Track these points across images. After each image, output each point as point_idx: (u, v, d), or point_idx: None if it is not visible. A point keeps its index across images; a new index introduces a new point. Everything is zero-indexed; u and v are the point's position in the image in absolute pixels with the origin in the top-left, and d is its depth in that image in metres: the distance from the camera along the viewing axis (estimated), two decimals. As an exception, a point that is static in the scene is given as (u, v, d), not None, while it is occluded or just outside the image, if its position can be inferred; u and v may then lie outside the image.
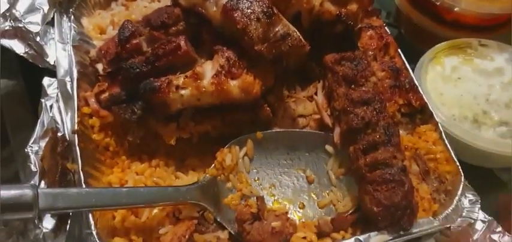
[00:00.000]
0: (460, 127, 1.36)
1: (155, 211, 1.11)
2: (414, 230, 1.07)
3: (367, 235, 1.05)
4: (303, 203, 1.19)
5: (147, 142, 1.23)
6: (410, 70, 1.36)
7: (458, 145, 1.34)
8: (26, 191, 0.91)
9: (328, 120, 1.24)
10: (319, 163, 1.22)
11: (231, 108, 1.21)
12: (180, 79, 1.15)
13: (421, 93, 1.32)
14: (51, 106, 1.18)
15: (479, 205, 1.14)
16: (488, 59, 1.54)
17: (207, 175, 1.16)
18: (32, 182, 1.01)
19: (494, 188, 1.46)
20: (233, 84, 1.15)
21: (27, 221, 1.00)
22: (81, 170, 1.05)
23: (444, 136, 1.25)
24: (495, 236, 1.14)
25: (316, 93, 1.29)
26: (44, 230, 1.01)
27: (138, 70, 1.16)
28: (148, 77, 1.15)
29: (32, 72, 1.30)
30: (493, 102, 1.43)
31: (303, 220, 1.16)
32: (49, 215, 1.04)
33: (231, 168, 1.18)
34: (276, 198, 1.20)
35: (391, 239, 1.05)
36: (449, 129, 1.34)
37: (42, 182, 1.07)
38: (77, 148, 1.07)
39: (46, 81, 1.25)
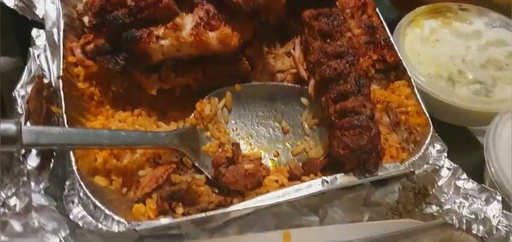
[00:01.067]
0: (435, 84, 1.41)
1: (136, 155, 1.17)
2: (380, 173, 1.12)
3: (333, 176, 1.10)
4: (277, 151, 1.25)
5: (131, 94, 1.28)
6: (387, 29, 1.40)
7: (433, 103, 1.39)
8: (10, 126, 0.97)
9: (303, 73, 1.29)
10: (295, 114, 1.28)
11: (211, 61, 1.26)
12: (160, 30, 1.19)
13: (396, 50, 1.36)
14: (38, 55, 1.24)
15: (445, 154, 1.19)
16: (467, 23, 1.58)
17: (187, 123, 1.22)
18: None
19: (469, 149, 1.51)
20: (211, 36, 1.20)
21: (12, 157, 1.06)
22: (65, 113, 1.10)
23: (416, 91, 1.29)
24: (460, 183, 1.18)
25: (294, 48, 1.34)
26: (28, 167, 1.07)
27: (121, 21, 1.20)
28: (131, 29, 1.21)
29: (22, 25, 1.36)
30: (469, 63, 1.48)
31: (277, 166, 1.21)
32: (34, 154, 1.10)
33: (209, 118, 1.23)
34: (252, 147, 1.25)
35: (356, 181, 1.10)
36: (424, 86, 1.39)
37: (28, 123, 1.13)
38: (61, 92, 1.13)
39: (34, 32, 1.31)
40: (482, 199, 1.16)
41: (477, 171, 1.32)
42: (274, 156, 1.24)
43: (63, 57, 1.20)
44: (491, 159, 1.24)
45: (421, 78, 1.40)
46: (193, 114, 1.22)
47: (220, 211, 1.05)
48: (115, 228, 0.99)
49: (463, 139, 1.54)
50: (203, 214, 1.03)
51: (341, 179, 1.10)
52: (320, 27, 1.27)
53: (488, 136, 1.27)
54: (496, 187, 1.20)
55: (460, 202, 1.16)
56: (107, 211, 1.01)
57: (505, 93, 1.41)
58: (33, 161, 1.10)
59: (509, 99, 1.38)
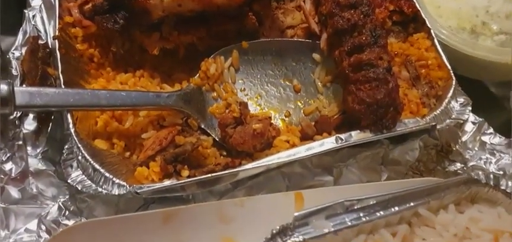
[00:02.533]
0: (457, 36, 1.31)
1: (139, 118, 1.11)
2: (398, 129, 1.04)
3: (348, 133, 1.03)
4: (288, 111, 1.17)
5: (133, 55, 1.23)
6: (404, -22, 1.31)
7: (456, 57, 1.30)
8: (2, 86, 0.92)
9: (315, 27, 1.21)
10: (306, 72, 1.20)
11: (216, 18, 1.19)
12: (160, -15, 1.13)
13: (414, 1, 1.27)
14: (33, 16, 1.19)
15: (470, 107, 1.10)
16: (491, -29, 1.47)
17: (191, 84, 1.15)
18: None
19: (493, 107, 1.42)
20: (214, -12, 1.13)
21: (7, 120, 1.01)
22: (61, 73, 1.05)
23: (437, 42, 1.21)
24: (485, 138, 1.11)
25: (304, 1, 1.26)
26: (24, 130, 1.03)
27: (119, -22, 1.15)
28: (130, -15, 1.14)
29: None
30: (494, 14, 1.38)
31: (288, 126, 1.14)
32: (31, 118, 1.05)
33: (215, 78, 1.16)
34: (262, 108, 1.18)
35: (373, 137, 1.02)
36: (446, 39, 1.30)
37: (24, 86, 1.08)
38: (58, 53, 1.07)
39: (30, -7, 1.26)
40: (511, 154, 1.08)
41: (503, 128, 1.23)
42: (286, 116, 1.17)
43: (59, 17, 1.14)
44: (519, 111, 1.15)
45: (443, 31, 1.31)
46: (198, 74, 1.16)
47: (227, 171, 0.99)
48: (115, 191, 0.94)
49: (485, 99, 1.45)
50: (208, 175, 0.97)
51: (356, 136, 1.03)
52: (332, -23, 1.18)
53: (516, 88, 1.18)
54: (526, 142, 1.11)
55: (487, 158, 1.08)
56: (107, 174, 0.95)
57: (532, 44, 1.31)
58: (30, 125, 1.05)
59: (537, 50, 1.28)
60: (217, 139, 1.11)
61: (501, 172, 1.04)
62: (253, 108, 1.17)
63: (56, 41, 1.09)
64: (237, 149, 1.07)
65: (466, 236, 0.90)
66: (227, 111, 1.13)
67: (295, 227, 0.86)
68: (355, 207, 0.88)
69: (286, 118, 1.17)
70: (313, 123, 1.11)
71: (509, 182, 1.01)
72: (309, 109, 1.16)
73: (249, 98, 1.19)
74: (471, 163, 1.08)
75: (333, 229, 0.86)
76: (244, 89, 1.20)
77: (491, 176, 1.00)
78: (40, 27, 1.18)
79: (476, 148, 1.10)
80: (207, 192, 1.01)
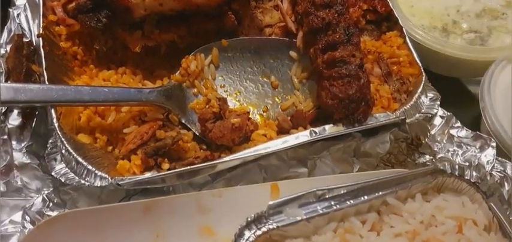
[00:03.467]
0: (429, 35, 1.37)
1: (121, 114, 1.14)
2: (369, 123, 1.09)
3: (321, 127, 1.07)
4: (266, 107, 1.22)
5: (116, 52, 1.26)
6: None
7: (428, 54, 1.35)
8: (-14, 83, 0.95)
9: (292, 25, 1.25)
10: (284, 69, 1.24)
11: (196, 17, 1.23)
12: (141, -16, 1.16)
13: (388, 0, 1.32)
14: (18, 15, 1.22)
15: (438, 102, 1.15)
16: (463, -28, 1.53)
17: (172, 81, 1.19)
18: (-5, 79, 1.05)
19: (463, 102, 1.47)
20: (195, -12, 1.17)
21: (-9, 117, 1.04)
22: (45, 70, 1.08)
23: (408, 40, 1.26)
24: (453, 131, 1.16)
25: (282, 1, 1.30)
26: (9, 125, 1.06)
27: (102, -23, 1.18)
28: (112, -15, 1.17)
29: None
30: (464, 13, 1.44)
31: (266, 121, 1.19)
32: (16, 113, 1.08)
33: (196, 74, 1.20)
34: (241, 103, 1.22)
35: (345, 130, 1.07)
36: (418, 38, 1.35)
37: (8, 82, 1.11)
38: (42, 50, 1.10)
39: (15, -8, 1.28)
40: (477, 147, 1.13)
41: (471, 123, 1.28)
42: (264, 111, 1.21)
43: (43, 15, 1.17)
44: (486, 106, 1.20)
45: (415, 30, 1.36)
46: (179, 71, 1.19)
47: (206, 163, 1.02)
48: (97, 183, 0.97)
49: (457, 93, 1.50)
50: (188, 167, 1.01)
51: (329, 129, 1.08)
52: (308, -23, 1.23)
53: (483, 84, 1.24)
54: (491, 135, 1.16)
55: (454, 151, 1.13)
56: (90, 167, 0.99)
57: (500, 42, 1.37)
58: (14, 120, 1.08)
59: (505, 48, 1.33)
60: (197, 134, 1.14)
61: (467, 164, 1.09)
62: (232, 104, 1.21)
63: (40, 38, 1.12)
64: (217, 143, 1.11)
65: (431, 223, 0.95)
66: (207, 106, 1.17)
67: (269, 216, 0.91)
68: (327, 196, 0.93)
69: (264, 113, 1.21)
70: (289, 118, 1.15)
71: (474, 173, 1.06)
72: (286, 104, 1.21)
73: (228, 94, 1.22)
74: (439, 155, 1.13)
75: (305, 217, 0.91)
76: (224, 85, 1.23)
77: (457, 167, 1.04)
78: (24, 25, 1.21)
79: (444, 141, 1.15)
80: (187, 184, 1.05)
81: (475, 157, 1.11)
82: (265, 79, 1.24)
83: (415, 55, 1.23)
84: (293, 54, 1.24)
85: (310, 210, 0.91)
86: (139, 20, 1.19)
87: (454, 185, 1.00)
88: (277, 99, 1.22)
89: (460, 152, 1.13)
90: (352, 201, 0.93)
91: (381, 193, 0.95)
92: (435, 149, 1.14)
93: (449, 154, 1.13)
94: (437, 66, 1.37)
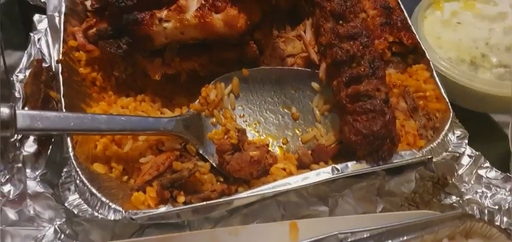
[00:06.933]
0: (457, 68, 1.32)
1: (138, 142, 1.12)
2: (394, 161, 1.04)
3: (344, 164, 1.03)
4: (286, 139, 1.18)
5: (135, 80, 1.25)
6: (404, 10, 1.32)
7: (455, 89, 1.31)
8: (4, 110, 0.93)
9: (314, 56, 1.22)
10: (305, 100, 1.21)
11: (218, 46, 1.21)
12: (163, 12, 1.15)
13: (414, 32, 1.28)
14: (39, 39, 1.21)
15: (466, 141, 1.10)
16: (491, 4, 1.48)
17: (191, 109, 1.16)
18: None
19: (493, 139, 1.41)
20: (217, 18, 1.15)
21: (8, 143, 1.03)
22: (63, 97, 1.06)
23: (435, 74, 1.22)
24: (482, 171, 1.10)
25: (304, 31, 1.28)
26: (24, 153, 1.04)
27: (123, 4, 1.16)
28: (134, 12, 1.16)
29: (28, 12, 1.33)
30: (493, 46, 1.39)
31: (285, 154, 1.15)
32: (31, 140, 1.07)
33: (215, 104, 1.18)
34: (260, 134, 1.19)
35: (369, 168, 1.03)
36: (445, 71, 1.31)
37: (25, 108, 1.10)
38: (60, 76, 1.09)
39: (36, 17, 1.29)
40: (507, 189, 1.08)
41: (501, 162, 1.23)
42: (283, 144, 1.18)
43: (63, 41, 1.16)
44: (517, 146, 1.15)
45: (442, 62, 1.32)
46: (198, 100, 1.17)
47: (222, 199, 0.99)
48: (111, 216, 0.95)
49: (486, 129, 1.44)
50: (203, 202, 0.98)
51: (352, 167, 1.04)
52: (332, 7, 1.19)
53: (513, 123, 1.18)
54: (522, 177, 1.11)
55: (482, 192, 1.08)
56: (103, 199, 0.96)
57: (532, 78, 1.32)
58: (30, 147, 1.07)
59: (536, 84, 1.28)
60: (214, 165, 1.11)
61: (496, 207, 1.04)
62: (251, 135, 1.18)
63: (59, 64, 1.11)
64: (234, 176, 1.07)
65: (459, 271, 0.90)
66: (225, 137, 1.14)
67: (288, 259, 0.87)
68: (349, 240, 0.89)
69: (284, 146, 1.18)
70: (309, 152, 1.12)
71: (504, 218, 1.01)
72: (307, 137, 1.17)
73: (247, 124, 1.20)
74: (467, 197, 1.08)
75: (326, 262, 0.87)
76: (243, 116, 1.21)
77: (486, 211, 0.99)
78: (44, 50, 1.20)
79: (472, 182, 1.10)
80: (203, 219, 1.01)
81: (505, 201, 1.05)
82: (285, 110, 1.21)
83: (442, 90, 1.19)
84: (315, 85, 1.20)
85: (332, 255, 0.87)
86: (160, 47, 1.18)
87: (482, 231, 0.94)
88: (297, 131, 1.19)
89: (489, 194, 1.08)
90: (375, 246, 0.89)
91: (406, 237, 0.90)
92: (462, 190, 1.09)
93: (478, 196, 1.08)
94: (464, 100, 1.32)
